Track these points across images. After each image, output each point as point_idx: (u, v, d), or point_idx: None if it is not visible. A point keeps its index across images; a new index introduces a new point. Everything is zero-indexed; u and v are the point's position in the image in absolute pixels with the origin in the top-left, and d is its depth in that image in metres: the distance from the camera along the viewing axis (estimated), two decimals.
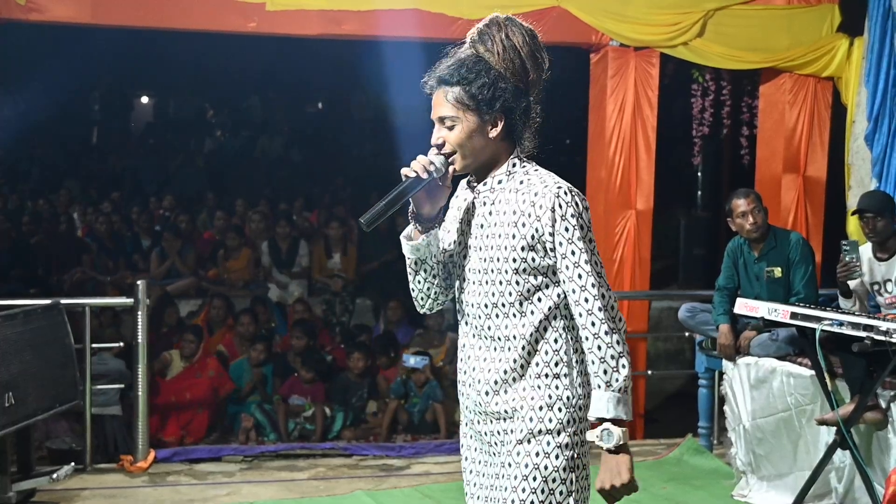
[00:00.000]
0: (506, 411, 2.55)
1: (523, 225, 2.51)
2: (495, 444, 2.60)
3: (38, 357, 5.37)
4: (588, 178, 7.42)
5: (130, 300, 6.10)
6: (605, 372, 2.46)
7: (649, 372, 7.50)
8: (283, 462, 6.28)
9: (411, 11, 6.74)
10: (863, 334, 4.48)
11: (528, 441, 2.51)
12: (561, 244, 2.48)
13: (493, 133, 2.55)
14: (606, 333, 2.46)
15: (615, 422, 2.45)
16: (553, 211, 2.47)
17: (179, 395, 7.60)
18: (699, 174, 12.89)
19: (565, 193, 2.49)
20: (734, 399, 5.63)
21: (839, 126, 7.41)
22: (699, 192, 13.21)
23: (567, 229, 2.47)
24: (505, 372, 2.55)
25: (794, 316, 4.88)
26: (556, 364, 2.53)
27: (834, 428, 4.82)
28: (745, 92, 8.13)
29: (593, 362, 2.47)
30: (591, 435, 2.49)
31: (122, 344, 7.06)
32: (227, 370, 7.89)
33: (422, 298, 2.74)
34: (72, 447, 7.10)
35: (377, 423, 7.68)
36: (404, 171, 2.55)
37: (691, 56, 7.28)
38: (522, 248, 2.51)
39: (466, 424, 2.70)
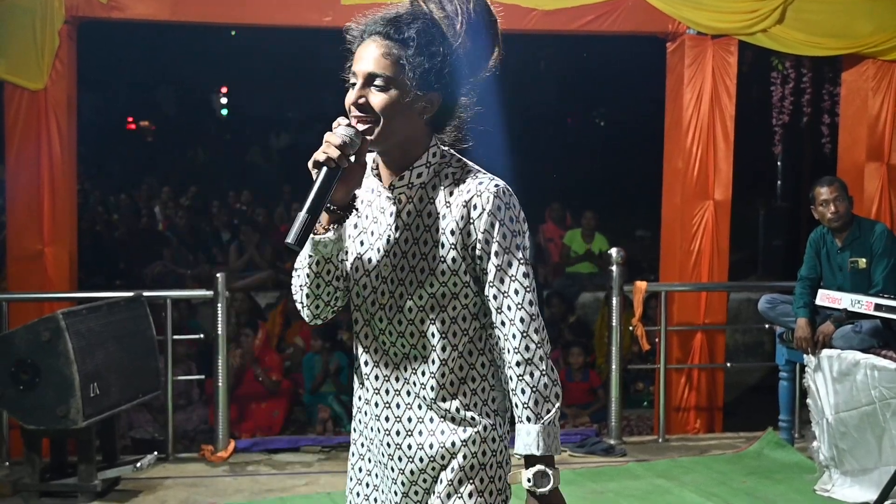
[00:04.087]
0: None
1: (454, 231, 2.12)
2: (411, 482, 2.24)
3: (121, 348, 5.49)
4: (665, 169, 7.33)
5: (210, 292, 6.20)
6: (536, 403, 2.09)
7: (728, 364, 7.39)
8: None
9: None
10: None
11: (455, 481, 2.17)
12: (497, 253, 2.10)
13: (426, 115, 2.14)
14: (541, 359, 2.10)
15: (547, 461, 2.09)
16: (491, 214, 2.10)
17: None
18: (779, 164, 12.69)
19: (503, 193, 2.12)
20: (817, 392, 5.53)
21: None
22: (779, 182, 13.01)
23: (505, 236, 2.10)
24: (421, 398, 2.19)
25: (878, 307, 4.79)
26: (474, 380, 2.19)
27: None
28: (826, 79, 7.96)
29: (524, 391, 2.10)
30: (522, 477, 2.10)
31: (202, 336, 7.18)
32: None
33: (317, 307, 2.24)
34: (154, 437, 7.25)
35: None
36: (316, 157, 2.05)
37: (771, 43, 7.14)
38: (454, 260, 2.13)
39: (381, 456, 2.29)
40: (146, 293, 6.09)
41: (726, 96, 7.05)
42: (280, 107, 17.39)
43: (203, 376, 7.21)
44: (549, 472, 2.08)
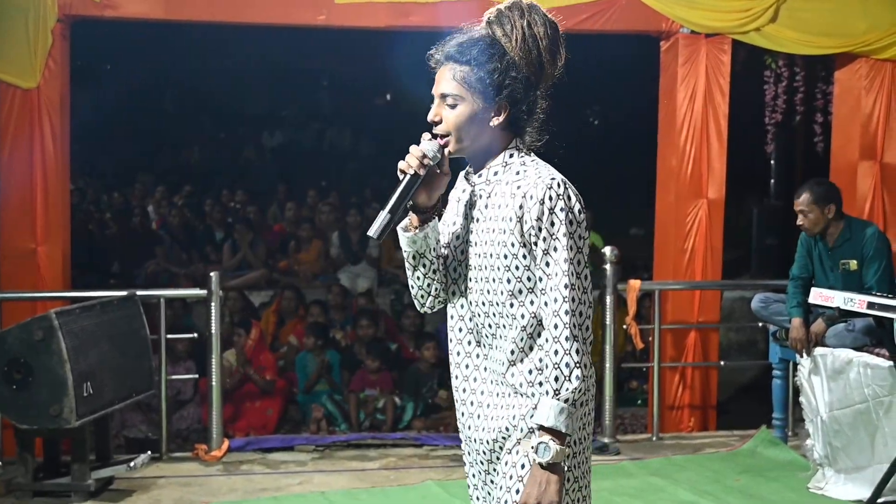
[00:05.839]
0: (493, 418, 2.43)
1: (513, 219, 2.36)
2: (485, 452, 2.48)
3: (114, 347, 5.49)
4: (658, 167, 7.33)
5: (204, 291, 6.20)
6: (556, 379, 2.28)
7: (721, 363, 7.40)
8: (354, 452, 6.33)
9: (480, 1, 6.72)
10: None
11: (513, 451, 2.39)
12: (544, 239, 2.32)
13: (495, 121, 2.41)
14: (567, 339, 2.29)
15: (555, 434, 2.27)
16: (542, 203, 2.32)
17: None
18: (772, 162, 12.68)
19: (558, 185, 2.34)
20: (811, 390, 5.54)
21: None
22: (772, 181, 13.00)
23: (553, 223, 2.32)
24: (493, 373, 2.44)
25: (870, 306, 4.79)
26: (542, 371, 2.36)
27: None
28: (819, 78, 7.96)
29: (547, 367, 2.31)
30: (526, 445, 2.33)
31: (196, 335, 7.17)
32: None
33: (422, 296, 2.54)
34: (147, 436, 7.25)
35: (447, 414, 7.71)
36: (401, 165, 2.41)
37: (764, 42, 7.15)
38: (513, 244, 2.36)
39: (463, 427, 2.55)
40: (139, 292, 6.09)
41: (720, 95, 7.06)
42: (274, 105, 17.34)
43: (196, 375, 7.20)
44: (552, 445, 2.26)
